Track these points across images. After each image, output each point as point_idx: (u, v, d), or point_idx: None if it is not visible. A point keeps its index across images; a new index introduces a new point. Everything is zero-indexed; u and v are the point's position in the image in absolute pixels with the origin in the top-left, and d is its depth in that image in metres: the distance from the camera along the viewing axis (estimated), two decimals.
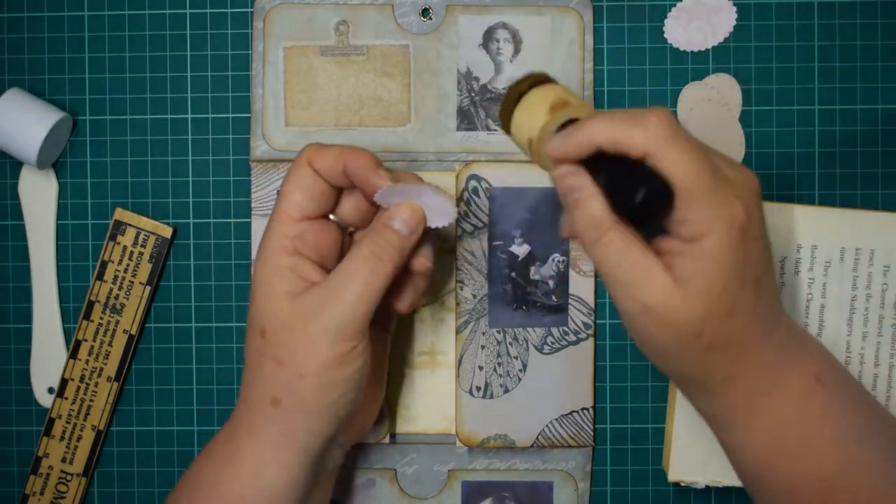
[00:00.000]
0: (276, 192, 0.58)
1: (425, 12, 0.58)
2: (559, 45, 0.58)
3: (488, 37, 0.58)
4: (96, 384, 0.58)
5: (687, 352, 0.43)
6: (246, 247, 0.58)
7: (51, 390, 0.58)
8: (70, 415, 0.58)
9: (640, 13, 0.58)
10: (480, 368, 0.57)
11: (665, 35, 0.58)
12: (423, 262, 0.49)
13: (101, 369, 0.58)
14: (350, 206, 0.50)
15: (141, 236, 0.58)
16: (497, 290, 0.57)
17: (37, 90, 0.58)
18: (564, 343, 0.57)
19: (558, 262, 0.57)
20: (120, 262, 0.58)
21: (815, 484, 0.45)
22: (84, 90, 0.59)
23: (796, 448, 0.45)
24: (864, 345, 0.55)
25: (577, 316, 0.57)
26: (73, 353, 0.58)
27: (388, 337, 0.54)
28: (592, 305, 0.57)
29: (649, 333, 0.43)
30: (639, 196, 0.42)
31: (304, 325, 0.46)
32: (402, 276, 0.49)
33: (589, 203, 0.43)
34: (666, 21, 0.58)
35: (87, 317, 0.58)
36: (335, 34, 0.58)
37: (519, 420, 0.57)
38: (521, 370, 0.57)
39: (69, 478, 0.58)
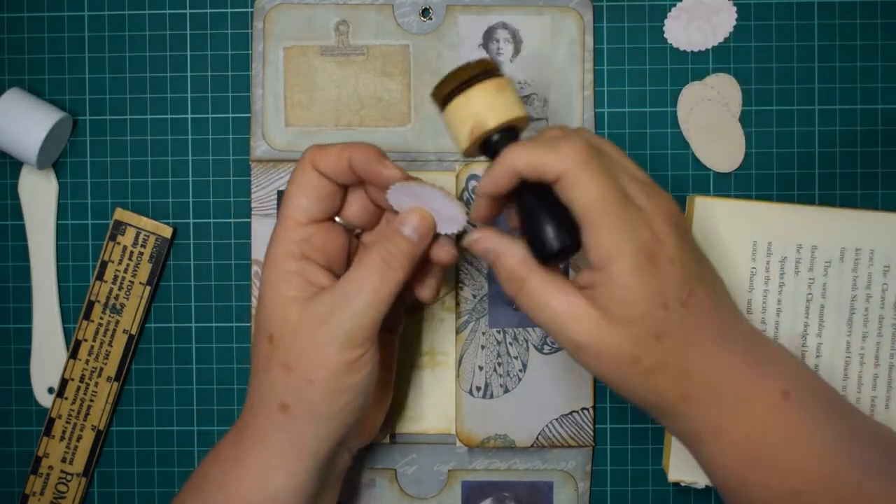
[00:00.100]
0: (276, 192, 0.58)
1: (425, 12, 0.58)
2: (559, 45, 0.58)
3: (488, 37, 0.58)
4: (96, 384, 0.58)
5: (631, 378, 0.44)
6: (246, 247, 0.58)
7: (51, 390, 0.58)
8: (70, 415, 0.58)
9: (640, 13, 0.58)
10: (480, 368, 0.57)
11: (665, 35, 0.58)
12: (447, 251, 0.49)
13: (101, 369, 0.58)
14: (356, 207, 0.50)
15: (141, 236, 0.58)
16: (497, 290, 0.57)
17: (37, 90, 0.58)
18: None
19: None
20: (120, 262, 0.58)
21: (789, 498, 0.45)
22: (84, 90, 0.59)
23: (766, 463, 0.45)
24: (864, 345, 0.55)
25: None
26: (73, 353, 0.58)
27: (396, 339, 0.54)
28: None
29: (591, 367, 0.45)
30: (547, 246, 0.45)
31: (314, 332, 0.46)
32: (423, 265, 0.50)
33: (502, 261, 0.46)
34: (666, 21, 0.58)
35: (87, 317, 0.58)
36: (335, 34, 0.58)
37: (519, 420, 0.57)
38: (521, 370, 0.57)
39: (69, 478, 0.58)
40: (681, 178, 0.58)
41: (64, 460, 0.58)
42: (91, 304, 0.58)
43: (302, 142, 0.58)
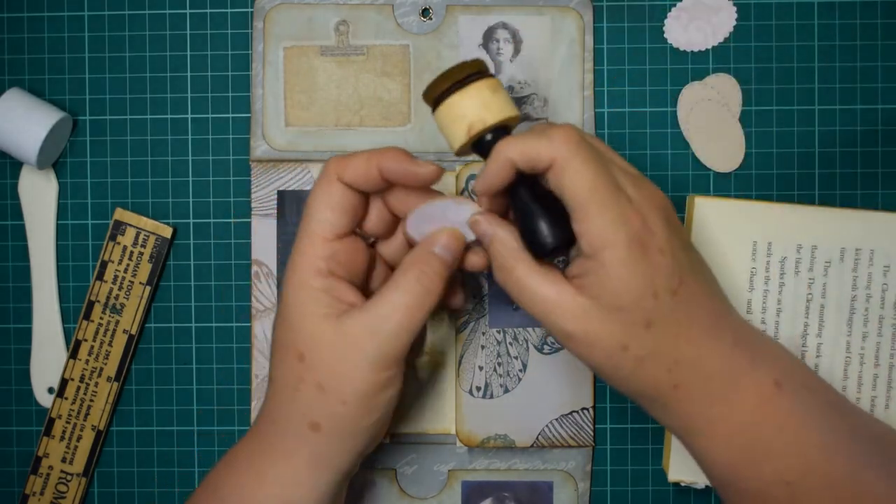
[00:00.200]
0: (276, 192, 0.58)
1: (425, 12, 0.58)
2: (559, 45, 0.58)
3: (488, 37, 0.58)
4: (96, 384, 0.58)
5: (621, 367, 0.45)
6: (246, 247, 0.58)
7: (51, 390, 0.58)
8: (70, 415, 0.58)
9: (640, 13, 0.58)
10: (480, 368, 0.57)
11: (665, 35, 0.58)
12: (481, 256, 0.49)
13: (101, 369, 0.58)
14: (373, 217, 0.50)
15: (141, 236, 0.58)
16: (497, 290, 0.57)
17: (37, 90, 0.58)
18: None
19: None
20: (120, 262, 0.58)
21: (782, 489, 0.45)
22: (84, 90, 0.59)
23: (760, 454, 0.45)
24: (864, 345, 0.55)
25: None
26: (73, 353, 0.58)
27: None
28: None
29: (583, 357, 0.45)
30: (542, 242, 0.45)
31: (349, 354, 0.46)
32: (454, 275, 0.50)
33: (494, 246, 0.46)
34: (666, 21, 0.58)
35: (87, 317, 0.58)
36: (335, 34, 0.58)
37: (519, 420, 0.57)
38: (521, 370, 0.57)
39: (69, 478, 0.58)
40: (681, 178, 0.58)
41: (64, 460, 0.58)
42: (91, 304, 0.58)
43: (302, 142, 0.58)
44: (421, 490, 0.58)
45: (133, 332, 0.58)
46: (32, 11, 0.59)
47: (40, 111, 0.56)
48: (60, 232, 0.59)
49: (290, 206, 0.58)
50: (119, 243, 0.58)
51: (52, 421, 0.58)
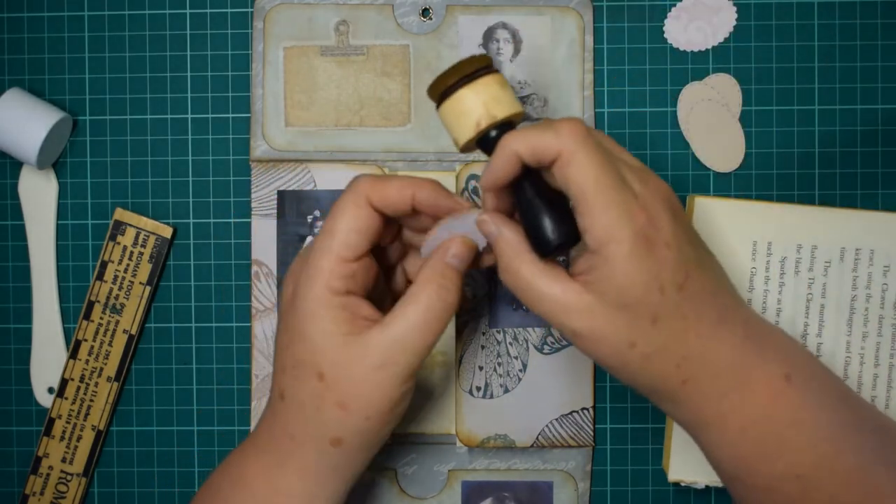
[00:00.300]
0: (276, 192, 0.58)
1: (425, 12, 0.58)
2: (559, 45, 0.58)
3: (488, 37, 0.58)
4: (96, 384, 0.58)
5: (630, 363, 0.44)
6: (246, 247, 0.58)
7: (51, 390, 0.58)
8: (70, 415, 0.58)
9: (640, 13, 0.58)
10: (480, 368, 0.57)
11: (665, 35, 0.58)
12: (491, 258, 0.49)
13: (101, 369, 0.58)
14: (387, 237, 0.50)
15: (141, 236, 0.58)
16: (497, 290, 0.57)
17: (37, 90, 0.58)
18: (564, 343, 0.57)
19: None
20: (120, 262, 0.58)
21: (793, 483, 0.45)
22: (84, 90, 0.59)
23: (771, 448, 0.45)
24: (864, 345, 0.55)
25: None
26: (73, 353, 0.58)
27: None
28: None
29: (590, 353, 0.45)
30: (553, 243, 0.45)
31: (373, 375, 0.45)
32: None
33: (499, 246, 0.46)
34: (666, 21, 0.58)
35: (87, 317, 0.58)
36: (335, 34, 0.58)
37: (519, 420, 0.57)
38: (521, 370, 0.57)
39: (69, 478, 0.58)
40: (681, 178, 0.58)
41: (64, 460, 0.58)
42: (91, 304, 0.58)
43: (302, 142, 0.58)
44: (421, 490, 0.58)
45: (133, 332, 0.58)
46: (32, 11, 0.59)
47: (40, 111, 0.56)
48: (60, 232, 0.59)
49: (290, 206, 0.58)
50: (119, 243, 0.58)
51: (52, 421, 0.58)
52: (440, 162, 0.58)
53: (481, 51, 0.58)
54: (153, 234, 0.58)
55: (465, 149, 0.47)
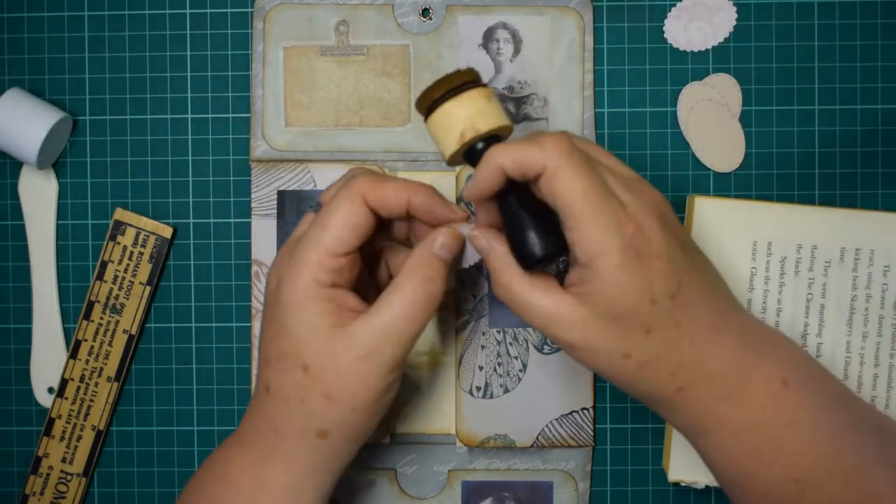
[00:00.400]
0: (276, 192, 0.58)
1: (425, 12, 0.58)
2: (559, 45, 0.58)
3: (488, 37, 0.58)
4: (96, 384, 0.58)
5: (625, 373, 0.45)
6: (246, 247, 0.58)
7: (51, 390, 0.58)
8: (70, 415, 0.58)
9: (640, 13, 0.58)
10: (480, 368, 0.57)
11: (665, 35, 0.58)
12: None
13: (101, 369, 0.58)
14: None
15: (141, 236, 0.58)
16: None
17: (37, 90, 0.58)
18: None
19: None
20: (120, 262, 0.58)
21: (791, 486, 0.45)
22: (84, 90, 0.59)
23: (769, 451, 0.45)
24: (864, 345, 0.55)
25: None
26: (73, 353, 0.58)
27: None
28: None
29: (586, 364, 0.45)
30: (530, 252, 0.45)
31: (358, 366, 0.46)
32: None
33: (490, 260, 0.46)
34: (666, 21, 0.58)
35: (87, 317, 0.58)
36: (335, 34, 0.58)
37: (519, 420, 0.57)
38: (521, 370, 0.57)
39: (69, 478, 0.58)
40: (681, 178, 0.58)
41: (64, 460, 0.58)
42: (91, 304, 0.58)
43: (302, 142, 0.58)
44: (421, 490, 0.58)
45: (133, 332, 0.58)
46: (32, 11, 0.59)
47: (40, 111, 0.56)
48: (60, 232, 0.59)
49: (290, 206, 0.58)
50: (119, 243, 0.58)
51: (52, 421, 0.58)
52: (440, 162, 0.58)
53: (481, 51, 0.58)
54: (153, 234, 0.58)
55: (452, 161, 0.47)
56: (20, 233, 0.59)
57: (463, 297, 0.57)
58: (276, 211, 0.58)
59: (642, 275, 0.43)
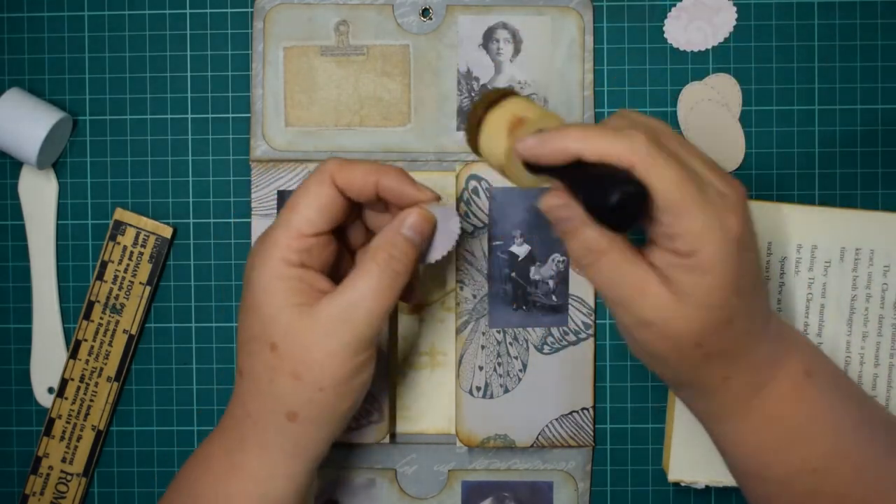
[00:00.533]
0: (276, 192, 0.58)
1: (425, 12, 0.58)
2: (559, 45, 0.58)
3: (488, 37, 0.58)
4: (96, 384, 0.58)
5: (686, 360, 0.44)
6: (246, 247, 0.58)
7: (51, 390, 0.58)
8: (70, 415, 0.58)
9: (640, 13, 0.58)
10: (480, 368, 0.57)
11: (665, 35, 0.58)
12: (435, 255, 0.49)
13: (101, 369, 0.58)
14: (352, 226, 0.50)
15: (141, 236, 0.58)
16: (497, 290, 0.57)
17: (37, 90, 0.58)
18: (564, 343, 0.57)
19: (558, 262, 0.57)
20: (120, 262, 0.58)
21: (808, 476, 0.45)
22: (84, 90, 0.59)
23: (789, 442, 0.45)
24: (864, 345, 0.55)
25: (577, 316, 0.57)
26: (73, 353, 0.58)
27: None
28: (592, 305, 0.57)
29: (648, 344, 0.44)
30: (613, 200, 0.41)
31: (323, 341, 0.46)
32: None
33: (582, 231, 0.43)
34: (666, 21, 0.58)
35: (87, 317, 0.58)
36: (335, 34, 0.58)
37: (519, 420, 0.57)
38: (521, 370, 0.57)
39: (69, 478, 0.58)
40: None
41: (64, 460, 0.58)
42: (91, 304, 0.58)
43: (302, 142, 0.58)
44: (421, 490, 0.58)
45: (133, 332, 0.58)
46: (32, 11, 0.59)
47: (40, 111, 0.56)
48: (60, 232, 0.59)
49: None
50: (119, 243, 0.58)
51: (52, 421, 0.58)
52: (440, 162, 0.58)
53: (481, 51, 0.58)
54: (153, 234, 0.58)
55: (515, 176, 0.45)
56: (20, 233, 0.59)
57: (463, 297, 0.57)
58: (276, 211, 0.58)
59: (738, 267, 0.42)
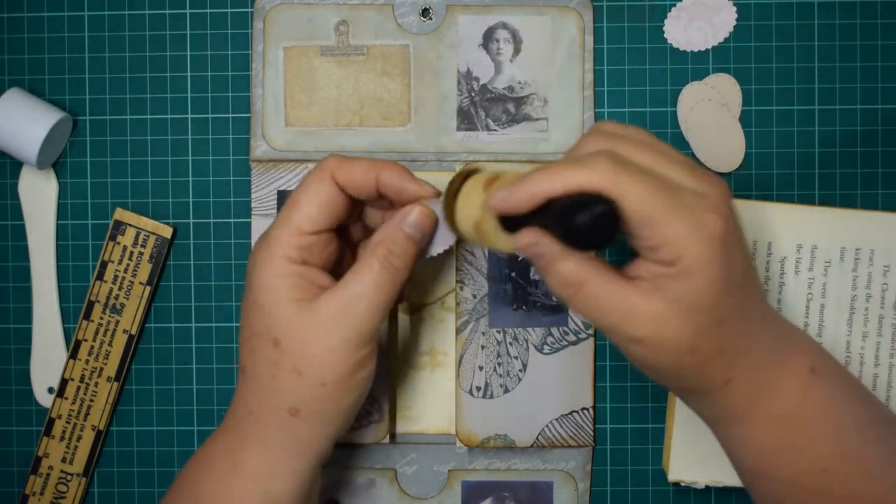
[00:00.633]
0: (276, 192, 0.58)
1: (425, 12, 0.58)
2: (559, 45, 0.58)
3: (488, 37, 0.58)
4: (96, 384, 0.58)
5: (685, 367, 0.44)
6: (246, 247, 0.58)
7: (51, 390, 0.58)
8: (70, 415, 0.58)
9: (640, 13, 0.58)
10: (480, 368, 0.57)
11: (665, 35, 0.58)
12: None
13: (101, 369, 0.58)
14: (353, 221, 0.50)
15: (141, 236, 0.58)
16: (497, 290, 0.57)
17: (37, 90, 0.58)
18: (564, 343, 0.57)
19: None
20: (120, 262, 0.58)
21: (817, 476, 0.45)
22: (84, 90, 0.59)
23: (797, 441, 0.45)
24: (864, 345, 0.55)
25: (577, 316, 0.57)
26: (73, 353, 0.58)
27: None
28: None
29: (644, 358, 0.44)
30: (582, 222, 0.41)
31: (324, 336, 0.46)
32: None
33: (557, 265, 0.43)
34: (666, 21, 0.58)
35: (87, 317, 0.58)
36: (335, 34, 0.58)
37: (519, 420, 0.57)
38: (521, 370, 0.57)
39: (69, 478, 0.58)
40: None
41: (64, 460, 0.58)
42: (91, 304, 0.58)
43: (302, 142, 0.58)
44: (421, 490, 0.58)
45: (133, 332, 0.58)
46: (32, 11, 0.59)
47: (40, 111, 0.56)
48: (60, 232, 0.59)
49: None
50: (119, 243, 0.58)
51: (52, 421, 0.58)
52: (440, 162, 0.58)
53: (481, 51, 0.58)
54: (153, 234, 0.58)
55: (487, 236, 0.46)
56: (20, 233, 0.59)
57: (463, 297, 0.57)
58: (276, 211, 0.58)
59: (727, 266, 0.42)
